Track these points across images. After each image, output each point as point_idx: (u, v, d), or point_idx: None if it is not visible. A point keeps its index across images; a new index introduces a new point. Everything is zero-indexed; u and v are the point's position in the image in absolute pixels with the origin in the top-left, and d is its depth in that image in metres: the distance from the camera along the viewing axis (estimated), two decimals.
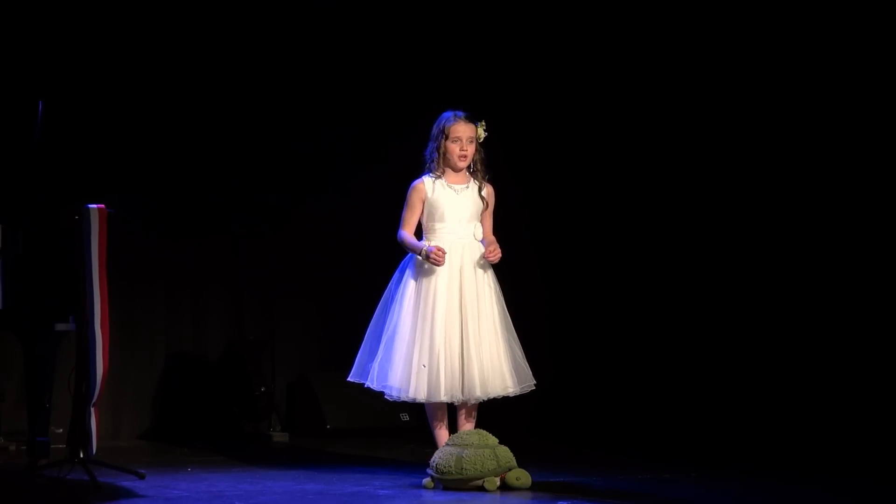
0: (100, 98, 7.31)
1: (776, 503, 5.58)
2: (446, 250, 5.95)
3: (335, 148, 7.95)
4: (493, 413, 6.16)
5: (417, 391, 5.92)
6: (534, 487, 5.66)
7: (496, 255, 6.01)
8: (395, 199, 6.24)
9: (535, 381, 6.07)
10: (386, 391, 5.99)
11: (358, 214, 7.84)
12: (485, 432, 5.75)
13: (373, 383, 6.01)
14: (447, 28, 7.98)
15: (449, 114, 6.09)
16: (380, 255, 6.49)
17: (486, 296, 6.03)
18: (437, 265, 5.95)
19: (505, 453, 5.68)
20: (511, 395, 6.02)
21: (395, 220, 6.13)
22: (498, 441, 5.73)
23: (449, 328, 5.95)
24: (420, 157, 6.14)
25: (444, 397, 5.93)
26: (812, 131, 7.41)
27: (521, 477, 5.67)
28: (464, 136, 6.06)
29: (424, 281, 6.00)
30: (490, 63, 8.00)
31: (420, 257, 5.99)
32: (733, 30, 7.62)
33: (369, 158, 7.89)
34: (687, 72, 7.78)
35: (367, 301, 6.27)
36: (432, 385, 5.90)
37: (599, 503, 5.38)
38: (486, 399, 5.99)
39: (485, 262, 6.06)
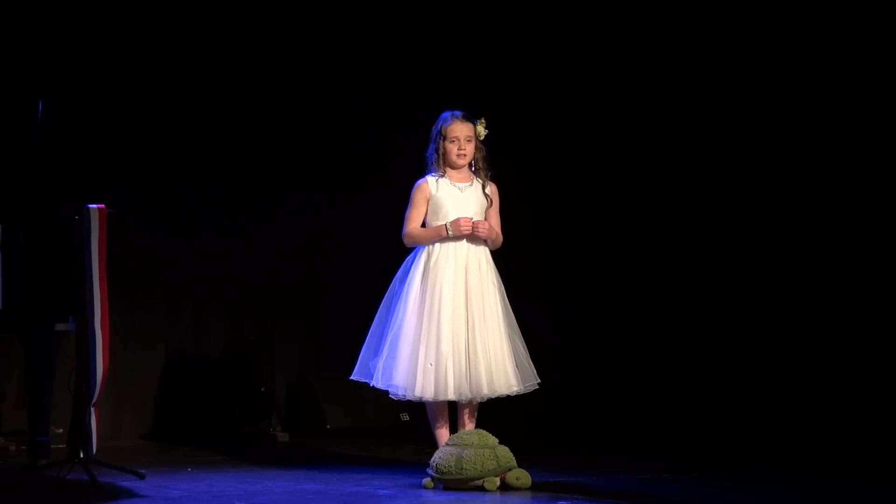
0: (100, 98, 7.31)
1: (776, 503, 5.57)
2: (461, 230, 5.96)
3: (336, 147, 7.95)
4: (493, 413, 6.16)
5: (424, 390, 5.92)
6: (534, 487, 5.66)
7: (481, 228, 5.98)
8: (396, 198, 6.24)
9: (538, 380, 6.07)
10: (391, 390, 5.99)
11: (358, 214, 7.84)
12: (485, 432, 5.75)
13: (377, 382, 6.01)
14: (450, 26, 7.98)
15: (447, 114, 6.10)
16: (380, 255, 6.48)
17: (490, 294, 6.03)
18: (468, 233, 5.95)
19: (505, 453, 5.68)
20: (515, 393, 6.02)
21: (396, 220, 6.12)
22: (498, 441, 5.73)
23: (455, 327, 5.95)
24: (420, 156, 6.15)
25: (452, 395, 5.93)
26: (812, 132, 7.42)
27: (521, 477, 5.67)
28: (461, 135, 6.06)
29: (430, 279, 6.00)
30: (492, 61, 8.01)
31: (448, 234, 5.97)
32: (733, 30, 7.63)
33: (370, 158, 7.89)
34: (688, 71, 7.79)
35: (368, 301, 6.26)
36: (440, 384, 5.90)
37: (599, 503, 5.38)
38: (493, 397, 5.99)
39: (488, 260, 6.06)
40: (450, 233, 5.99)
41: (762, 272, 7.59)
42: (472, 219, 5.99)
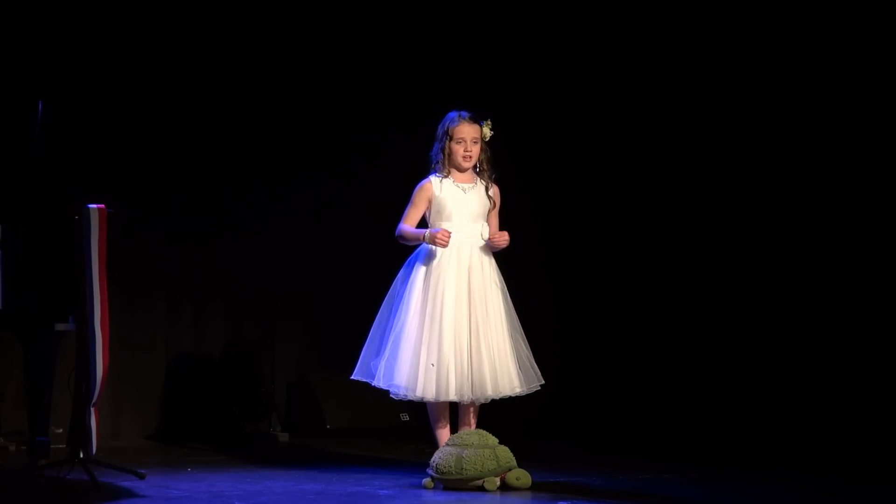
0: (100, 98, 7.31)
1: (776, 503, 5.57)
2: (451, 233, 5.94)
3: (336, 147, 7.94)
4: (493, 413, 6.16)
5: (425, 390, 5.92)
6: (534, 487, 5.66)
7: (503, 239, 6.01)
8: (397, 198, 6.23)
9: (542, 381, 6.07)
10: (392, 390, 5.99)
11: (359, 214, 7.84)
12: (485, 432, 5.75)
13: (379, 382, 6.01)
14: (455, 26, 7.98)
15: (453, 114, 6.09)
16: (380, 255, 6.48)
17: (493, 294, 6.04)
18: (442, 247, 5.94)
19: (505, 453, 5.68)
20: (518, 394, 6.02)
21: (396, 221, 6.12)
22: (498, 441, 5.73)
23: (458, 327, 5.95)
24: (424, 156, 6.15)
25: (453, 396, 5.93)
26: (812, 132, 7.42)
27: (521, 477, 5.67)
28: (467, 136, 6.06)
29: (432, 279, 5.99)
30: (497, 62, 8.01)
31: (425, 242, 5.98)
32: (734, 30, 7.62)
33: (371, 158, 7.89)
34: (690, 73, 7.79)
35: (368, 301, 6.27)
36: (441, 384, 5.90)
37: (599, 503, 5.38)
38: (497, 398, 5.99)
39: (490, 260, 6.06)
40: (426, 240, 5.99)
41: (761, 273, 7.59)
42: (450, 234, 5.96)
